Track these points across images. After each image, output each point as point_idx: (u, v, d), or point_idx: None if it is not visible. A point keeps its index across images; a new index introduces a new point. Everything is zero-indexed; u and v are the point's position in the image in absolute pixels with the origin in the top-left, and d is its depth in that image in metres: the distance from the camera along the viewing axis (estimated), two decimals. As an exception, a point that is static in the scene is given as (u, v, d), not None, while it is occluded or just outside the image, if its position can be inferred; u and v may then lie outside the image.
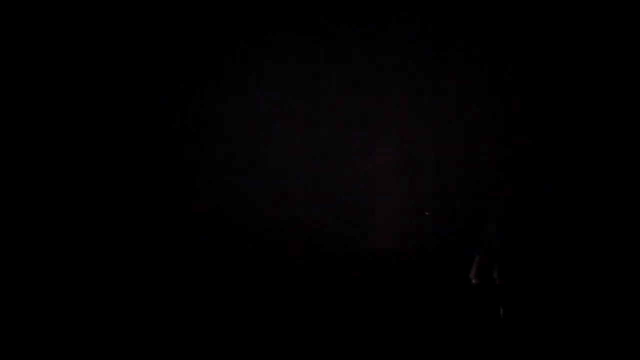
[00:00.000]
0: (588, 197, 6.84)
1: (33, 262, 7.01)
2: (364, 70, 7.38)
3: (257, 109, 7.39)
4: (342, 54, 7.41)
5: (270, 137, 7.36)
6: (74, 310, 6.90)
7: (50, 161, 7.15)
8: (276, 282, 7.10)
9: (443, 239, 6.88)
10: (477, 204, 6.59)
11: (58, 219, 7.11)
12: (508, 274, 6.26)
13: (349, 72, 7.39)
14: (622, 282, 6.64)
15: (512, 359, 6.25)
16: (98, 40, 7.25)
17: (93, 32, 7.25)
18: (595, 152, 7.00)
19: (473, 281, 6.38)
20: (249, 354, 6.61)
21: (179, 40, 7.32)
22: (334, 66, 7.41)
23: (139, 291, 7.03)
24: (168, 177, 7.27)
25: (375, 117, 7.22)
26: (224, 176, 7.32)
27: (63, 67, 7.20)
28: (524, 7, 7.29)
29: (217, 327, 6.87)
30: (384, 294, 6.69)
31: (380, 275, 6.73)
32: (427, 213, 6.62)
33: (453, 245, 6.81)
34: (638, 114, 7.08)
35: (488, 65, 7.26)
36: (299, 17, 7.40)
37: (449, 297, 6.74)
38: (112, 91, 7.26)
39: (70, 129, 7.19)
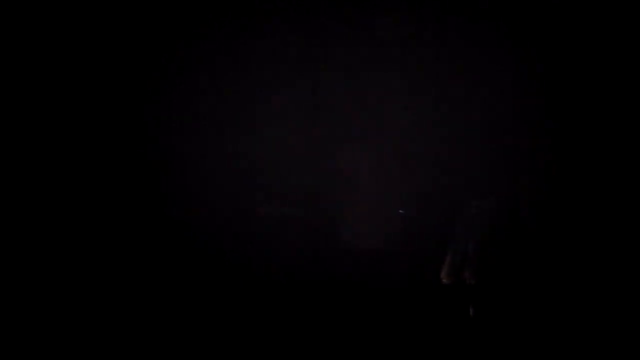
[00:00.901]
0: (562, 199, 6.68)
1: (32, 261, 7.09)
2: (347, 71, 7.35)
3: (242, 107, 7.41)
4: (326, 53, 7.38)
5: (256, 135, 7.37)
6: (73, 310, 6.96)
7: (50, 160, 7.24)
8: (260, 281, 7.08)
9: (416, 238, 6.78)
10: (450, 204, 6.51)
11: (56, 218, 7.19)
12: (479, 274, 6.16)
13: (332, 72, 7.37)
14: (598, 283, 6.52)
15: (481, 358, 6.17)
16: (98, 39, 7.34)
17: (94, 32, 7.35)
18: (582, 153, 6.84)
19: (444, 281, 6.34)
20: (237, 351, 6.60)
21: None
22: (316, 66, 7.39)
23: (127, 284, 7.09)
24: (154, 174, 7.33)
25: (358, 116, 7.18)
26: (209, 174, 7.34)
27: (64, 67, 7.31)
28: (523, 7, 7.17)
29: (202, 323, 6.88)
30: (355, 293, 6.64)
31: (352, 275, 6.69)
32: (400, 211, 6.55)
33: (425, 244, 6.72)
34: (638, 114, 6.87)
35: (477, 63, 7.16)
36: (288, 17, 7.41)
37: (420, 296, 6.64)
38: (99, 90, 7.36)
39: (68, 129, 7.29)
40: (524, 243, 6.26)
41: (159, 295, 7.07)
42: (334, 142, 7.38)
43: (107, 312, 6.94)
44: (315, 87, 7.46)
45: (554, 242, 6.54)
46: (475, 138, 7.06)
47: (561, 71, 7.08)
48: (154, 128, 7.42)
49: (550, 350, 6.16)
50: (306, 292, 6.96)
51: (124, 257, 7.18)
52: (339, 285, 6.80)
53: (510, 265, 6.19)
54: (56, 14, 7.27)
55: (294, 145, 7.45)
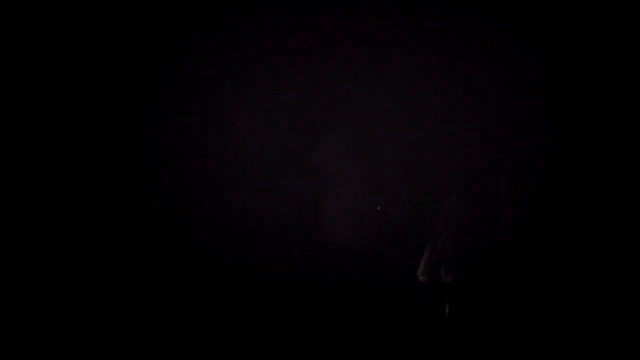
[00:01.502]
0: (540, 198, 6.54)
1: (32, 259, 7.14)
2: (347, 70, 7.31)
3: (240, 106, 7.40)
4: (326, 53, 7.35)
5: (252, 134, 7.36)
6: (71, 308, 6.98)
7: (49, 160, 7.30)
8: (247, 276, 7.04)
9: (393, 236, 6.70)
10: (429, 203, 6.43)
11: (55, 216, 7.24)
12: (455, 272, 6.07)
13: (332, 71, 7.33)
14: (585, 281, 6.46)
15: (456, 354, 6.16)
16: (97, 40, 7.40)
17: (95, 34, 7.41)
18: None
19: (420, 278, 6.29)
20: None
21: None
22: (315, 65, 7.36)
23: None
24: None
25: (339, 114, 7.14)
26: (203, 172, 7.34)
27: (64, 67, 7.37)
28: (523, 7, 7.05)
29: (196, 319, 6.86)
30: (331, 290, 6.58)
31: (332, 271, 6.64)
32: (378, 208, 6.48)
33: (402, 242, 6.61)
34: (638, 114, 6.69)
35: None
36: (288, 17, 7.41)
37: (396, 293, 6.55)
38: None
39: (67, 128, 7.34)
40: (502, 241, 6.16)
41: (156, 288, 7.05)
42: (322, 140, 7.33)
43: (104, 308, 6.94)
44: (314, 86, 7.42)
45: (544, 241, 6.41)
46: (467, 137, 6.96)
47: (561, 71, 6.98)
48: (151, 127, 7.43)
49: (527, 347, 6.10)
50: (289, 287, 6.90)
51: (120, 252, 7.17)
52: (319, 280, 6.75)
53: (487, 263, 6.08)
54: (57, 14, 7.33)
55: (289, 144, 7.42)
